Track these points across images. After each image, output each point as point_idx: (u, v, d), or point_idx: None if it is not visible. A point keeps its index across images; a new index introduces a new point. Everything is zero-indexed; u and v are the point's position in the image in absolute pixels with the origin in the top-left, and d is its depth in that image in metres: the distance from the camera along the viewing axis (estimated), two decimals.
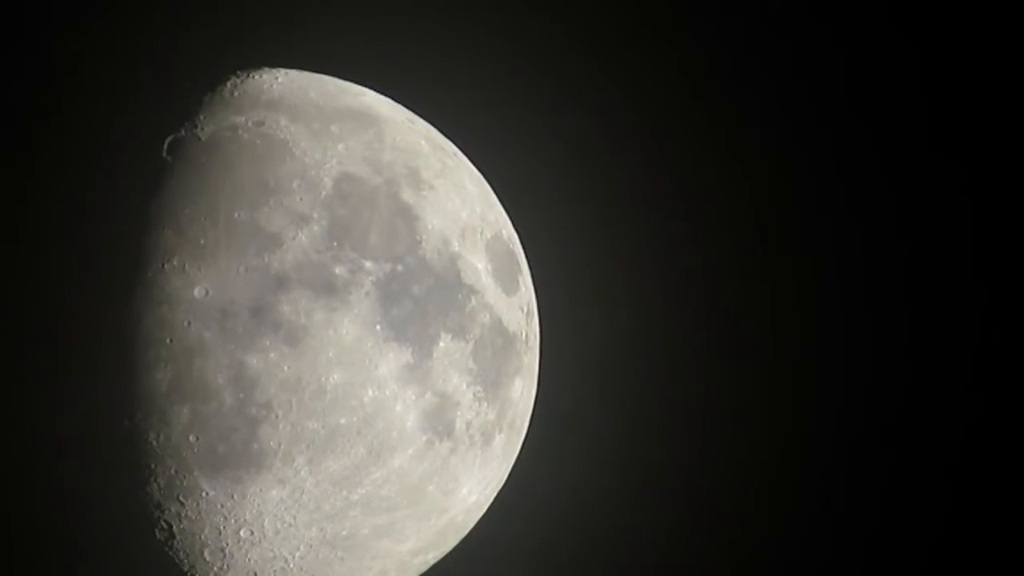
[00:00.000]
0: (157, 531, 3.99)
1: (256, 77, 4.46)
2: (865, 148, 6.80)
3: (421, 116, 4.80)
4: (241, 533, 4.00)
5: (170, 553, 4.05)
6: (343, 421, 3.94)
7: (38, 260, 3.96)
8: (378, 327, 3.97)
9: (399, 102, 4.79)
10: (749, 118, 6.76)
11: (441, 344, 4.14)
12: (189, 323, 3.80)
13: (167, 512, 3.95)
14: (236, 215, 3.91)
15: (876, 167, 6.79)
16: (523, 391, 4.71)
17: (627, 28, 6.73)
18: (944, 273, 6.74)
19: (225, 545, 4.03)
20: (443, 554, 4.78)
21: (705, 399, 6.74)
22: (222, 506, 3.94)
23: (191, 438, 3.83)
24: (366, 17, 6.47)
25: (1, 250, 4.06)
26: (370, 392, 3.97)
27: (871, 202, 6.81)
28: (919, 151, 6.75)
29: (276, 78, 4.47)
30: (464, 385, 4.24)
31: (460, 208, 4.43)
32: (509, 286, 4.55)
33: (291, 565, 4.14)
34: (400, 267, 4.07)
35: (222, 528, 3.99)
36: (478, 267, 4.37)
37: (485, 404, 4.36)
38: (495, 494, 4.84)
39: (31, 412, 3.92)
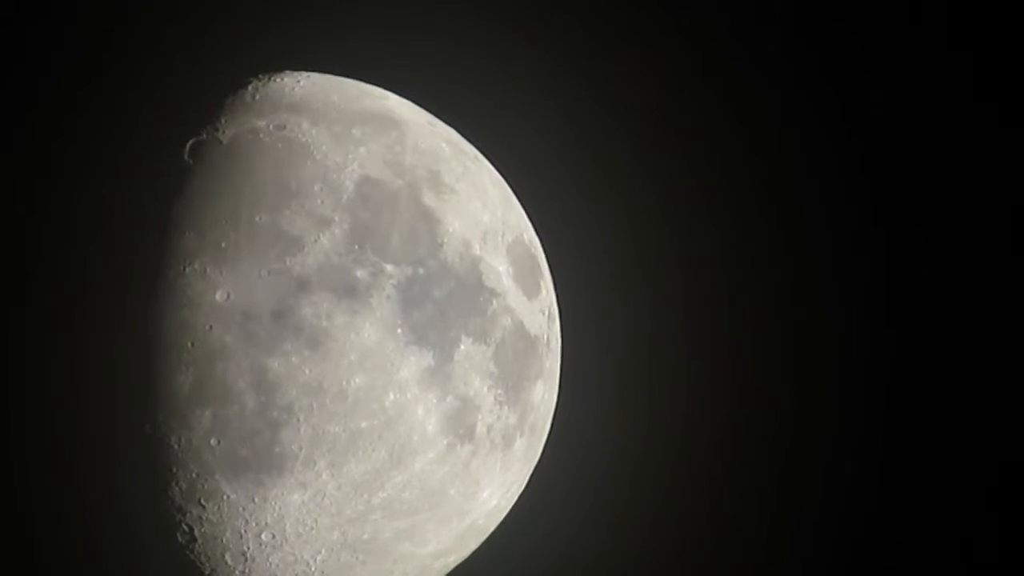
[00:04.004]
0: (179, 534, 4.00)
1: (277, 80, 4.47)
2: (893, 149, 6.77)
3: (442, 119, 4.80)
4: (263, 536, 4.01)
5: (191, 556, 4.06)
6: (364, 425, 3.93)
7: (59, 263, 3.98)
8: (399, 330, 3.97)
9: (420, 105, 4.79)
10: (775, 119, 6.74)
11: (462, 347, 4.13)
12: (211, 326, 3.81)
13: (188, 515, 3.96)
14: (257, 218, 3.91)
15: (901, 168, 6.76)
16: (544, 394, 4.70)
17: (650, 31, 6.72)
18: (961, 275, 6.71)
19: (246, 548, 4.03)
20: (464, 557, 4.77)
21: (728, 402, 6.71)
22: (243, 509, 3.95)
23: (212, 441, 3.84)
24: (387, 20, 6.48)
25: (22, 253, 4.08)
26: (391, 395, 3.96)
27: (897, 204, 6.77)
28: (943, 151, 6.72)
29: (298, 81, 4.48)
30: (485, 388, 4.23)
31: (481, 211, 4.42)
32: (530, 289, 4.54)
33: (312, 568, 4.14)
34: (421, 270, 4.07)
35: (243, 531, 3.99)
36: (499, 270, 4.36)
37: (506, 407, 4.35)
38: (516, 497, 4.83)
39: (52, 415, 3.94)
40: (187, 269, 3.85)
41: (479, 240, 4.32)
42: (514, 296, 4.40)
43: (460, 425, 4.16)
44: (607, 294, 6.65)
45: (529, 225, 4.86)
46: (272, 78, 4.48)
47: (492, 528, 4.78)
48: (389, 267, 4.00)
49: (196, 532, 3.99)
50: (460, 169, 4.48)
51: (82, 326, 3.88)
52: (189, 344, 3.81)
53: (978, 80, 6.61)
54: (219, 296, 3.83)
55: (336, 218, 3.98)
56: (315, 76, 4.58)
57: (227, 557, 4.06)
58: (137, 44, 6.09)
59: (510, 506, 4.81)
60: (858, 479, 6.67)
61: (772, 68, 6.73)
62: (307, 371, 3.85)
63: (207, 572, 4.10)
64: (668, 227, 6.75)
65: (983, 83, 6.60)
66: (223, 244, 3.87)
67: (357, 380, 3.91)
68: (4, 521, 4.22)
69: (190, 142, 4.11)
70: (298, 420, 3.85)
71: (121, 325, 3.84)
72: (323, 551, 4.10)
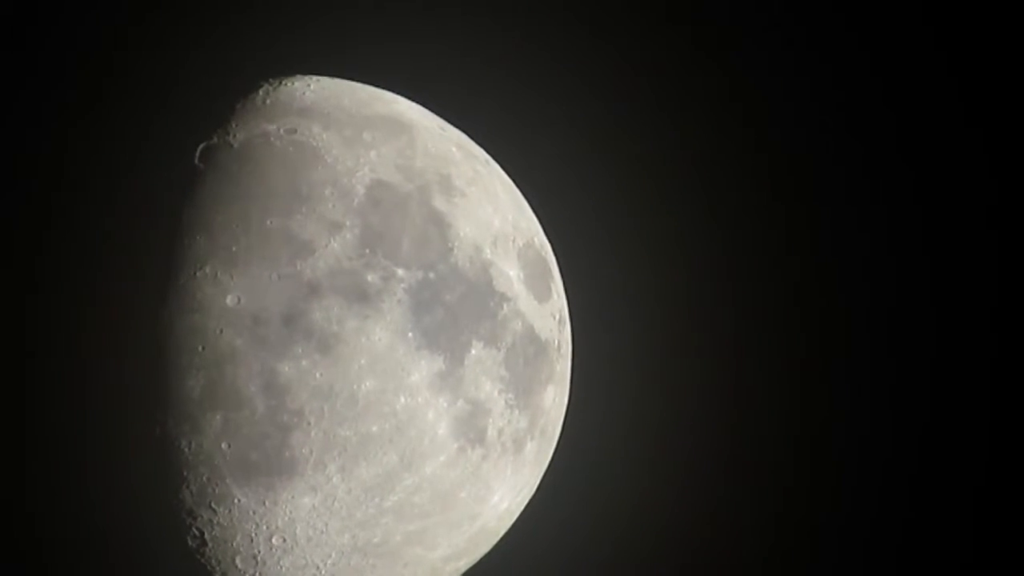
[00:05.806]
0: (189, 538, 4.00)
1: (288, 84, 4.47)
2: (895, 149, 6.75)
3: (452, 123, 4.80)
4: (273, 540, 4.01)
5: (202, 560, 4.06)
6: (375, 428, 3.93)
7: (70, 267, 3.99)
8: (410, 334, 3.97)
9: (430, 109, 4.79)
10: (785, 124, 6.73)
11: (473, 352, 4.13)
12: (221, 330, 3.81)
13: (199, 519, 3.96)
14: (268, 222, 3.92)
15: (907, 169, 6.75)
16: (555, 398, 4.69)
17: (661, 36, 6.72)
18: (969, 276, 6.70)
19: (257, 552, 4.04)
20: (475, 561, 4.77)
21: (739, 404, 6.70)
22: (254, 513, 3.95)
23: (223, 445, 3.84)
24: (398, 25, 6.48)
25: (33, 258, 4.09)
26: (402, 399, 3.96)
27: (902, 205, 6.76)
28: (947, 151, 6.71)
29: (308, 85, 4.48)
30: (496, 392, 4.22)
31: (492, 215, 4.42)
32: (541, 293, 4.54)
33: (323, 572, 4.14)
34: (432, 274, 4.07)
35: (254, 535, 3.99)
36: (510, 274, 4.35)
37: (517, 411, 4.34)
38: (527, 501, 4.83)
39: (62, 418, 3.95)
40: (198, 273, 3.85)
41: (490, 244, 4.32)
42: (525, 300, 4.40)
43: (471, 429, 4.16)
44: (617, 298, 6.65)
45: (539, 229, 4.86)
46: (283, 82, 4.49)
47: (503, 532, 4.77)
48: (400, 271, 4.00)
49: (207, 536, 4.00)
50: (471, 173, 4.48)
51: (93, 329, 3.89)
52: (200, 348, 3.81)
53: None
54: (230, 300, 3.83)
55: (347, 222, 3.98)
56: (326, 80, 4.58)
57: (238, 561, 4.06)
58: (148, 48, 6.11)
59: (520, 510, 4.81)
60: (867, 482, 6.65)
61: (781, 70, 6.72)
62: (318, 375, 3.85)
63: None
64: (679, 231, 6.75)
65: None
66: (234, 248, 3.88)
67: (368, 384, 3.91)
68: (14, 523, 4.23)
69: (201, 146, 4.12)
70: (308, 424, 3.85)
71: (132, 329, 3.84)
72: (333, 555, 4.10)
